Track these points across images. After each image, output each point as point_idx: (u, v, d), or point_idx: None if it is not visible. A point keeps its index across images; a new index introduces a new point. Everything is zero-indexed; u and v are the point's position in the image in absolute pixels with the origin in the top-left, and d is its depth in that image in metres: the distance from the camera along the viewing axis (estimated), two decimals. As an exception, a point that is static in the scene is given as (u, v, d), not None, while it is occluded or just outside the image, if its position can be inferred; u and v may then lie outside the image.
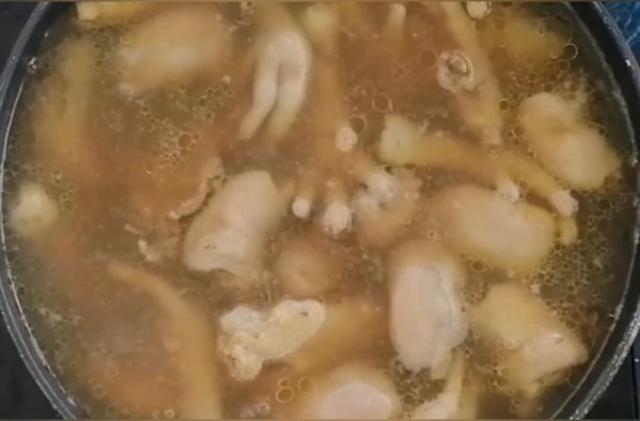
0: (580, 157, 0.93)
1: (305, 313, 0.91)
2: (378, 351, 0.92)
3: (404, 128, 0.94)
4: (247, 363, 0.90)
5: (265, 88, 0.94)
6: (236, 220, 0.92)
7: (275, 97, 0.94)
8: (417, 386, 0.92)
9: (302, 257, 0.93)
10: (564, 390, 0.92)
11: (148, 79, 0.95)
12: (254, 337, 0.90)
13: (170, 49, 0.95)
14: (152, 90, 0.95)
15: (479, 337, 0.92)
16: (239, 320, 0.91)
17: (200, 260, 0.93)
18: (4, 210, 0.94)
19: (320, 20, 0.95)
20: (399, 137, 0.94)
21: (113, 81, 0.96)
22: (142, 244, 0.94)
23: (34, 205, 0.94)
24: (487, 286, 0.93)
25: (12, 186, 0.95)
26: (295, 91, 0.94)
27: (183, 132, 0.95)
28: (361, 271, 0.93)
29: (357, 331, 0.92)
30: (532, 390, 0.92)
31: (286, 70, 0.94)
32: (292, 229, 0.94)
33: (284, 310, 0.91)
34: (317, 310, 0.92)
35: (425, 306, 0.91)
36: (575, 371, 0.92)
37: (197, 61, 0.96)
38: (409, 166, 0.93)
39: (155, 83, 0.95)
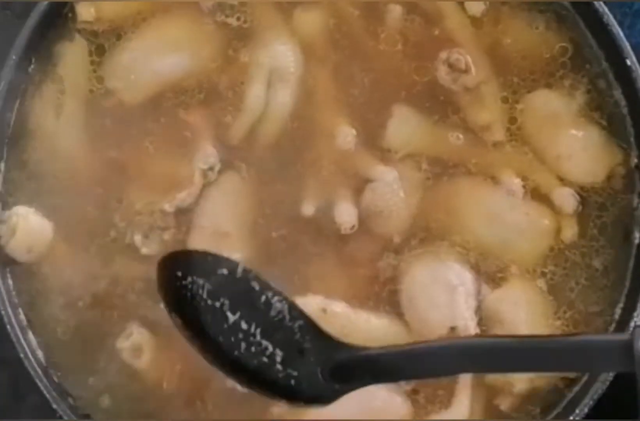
0: (582, 153, 0.93)
1: (324, 310, 0.91)
2: None
3: (410, 118, 0.94)
4: None
5: (255, 95, 0.94)
6: (236, 227, 0.93)
7: (264, 103, 0.94)
8: (427, 399, 0.92)
9: (315, 259, 0.94)
10: (563, 389, 0.92)
11: (143, 81, 0.95)
12: None
13: (165, 54, 0.95)
14: (147, 91, 0.95)
15: (487, 325, 0.92)
16: None
17: None
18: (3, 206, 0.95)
19: (310, 20, 0.95)
20: (405, 127, 0.94)
21: (110, 83, 0.96)
22: (137, 238, 0.94)
23: (32, 230, 0.93)
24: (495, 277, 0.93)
25: (12, 182, 0.95)
26: (284, 99, 0.94)
27: (178, 125, 0.95)
28: (375, 269, 0.93)
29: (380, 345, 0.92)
30: (521, 386, 0.91)
31: (276, 77, 0.94)
32: (300, 229, 0.94)
33: (306, 302, 0.90)
34: (337, 311, 0.91)
35: (433, 276, 0.91)
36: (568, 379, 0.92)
37: (191, 65, 0.95)
38: (414, 156, 0.94)
39: (151, 85, 0.95)
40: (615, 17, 0.92)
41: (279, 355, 0.80)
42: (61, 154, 0.95)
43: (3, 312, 0.92)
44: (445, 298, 0.90)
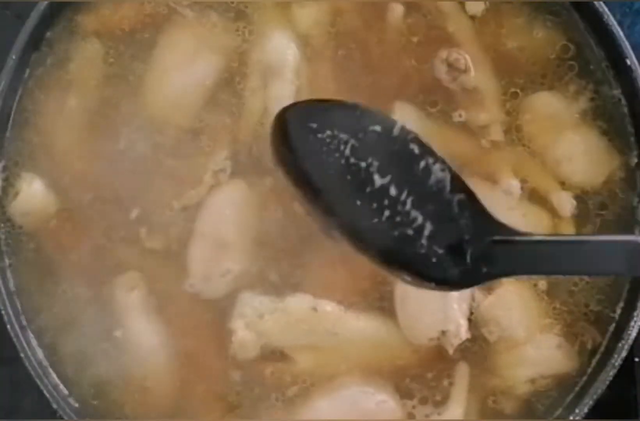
0: (582, 155, 0.93)
1: (314, 309, 0.91)
2: (387, 370, 0.92)
3: (412, 116, 0.94)
4: (243, 337, 0.90)
5: (251, 93, 0.94)
6: (237, 238, 0.92)
7: (262, 100, 0.94)
8: (420, 400, 0.92)
9: (310, 258, 0.93)
10: (563, 389, 0.92)
11: (188, 103, 0.95)
12: (258, 317, 0.90)
13: (181, 68, 0.95)
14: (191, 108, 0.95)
15: (483, 330, 0.92)
16: (251, 299, 0.91)
17: (218, 287, 0.92)
18: (3, 206, 0.94)
19: (306, 16, 0.95)
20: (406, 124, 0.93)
21: (115, 85, 0.96)
22: (142, 231, 0.94)
23: (34, 197, 0.94)
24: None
25: (12, 178, 0.95)
26: (281, 92, 0.94)
27: (193, 124, 0.95)
28: (369, 269, 0.92)
29: (371, 345, 0.92)
30: (523, 389, 0.91)
31: (272, 72, 0.94)
32: (294, 227, 0.93)
33: (296, 300, 0.91)
34: (327, 310, 0.91)
35: None
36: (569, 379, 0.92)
37: (211, 72, 0.95)
38: None
39: (195, 103, 0.95)
40: (615, 17, 0.92)
41: (427, 228, 0.72)
42: (63, 151, 0.95)
43: (3, 312, 0.92)
44: (437, 301, 0.90)
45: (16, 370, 0.93)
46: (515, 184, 0.92)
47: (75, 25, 0.97)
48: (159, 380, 0.93)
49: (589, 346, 0.92)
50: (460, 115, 0.94)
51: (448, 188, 0.73)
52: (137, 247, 0.94)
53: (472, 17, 0.94)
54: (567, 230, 0.93)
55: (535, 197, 0.93)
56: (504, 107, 0.94)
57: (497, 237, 0.73)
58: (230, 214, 0.93)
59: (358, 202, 0.73)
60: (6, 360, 0.97)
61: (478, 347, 0.92)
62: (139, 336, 0.93)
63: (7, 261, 0.94)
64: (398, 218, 0.72)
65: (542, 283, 0.92)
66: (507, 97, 0.94)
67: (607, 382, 0.89)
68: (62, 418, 0.91)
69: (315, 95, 0.94)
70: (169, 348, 0.93)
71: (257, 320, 0.90)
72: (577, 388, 0.91)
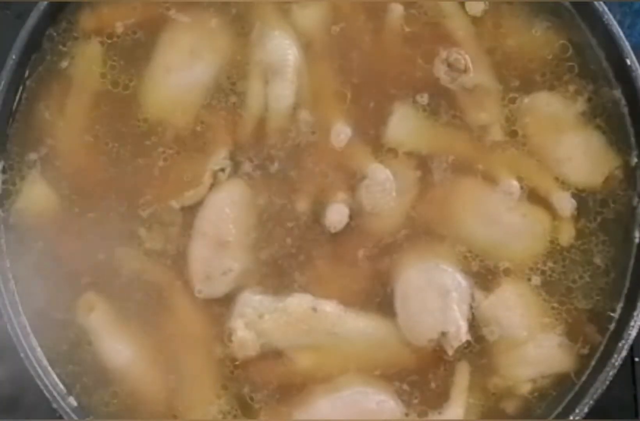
0: (582, 155, 0.93)
1: (314, 309, 0.91)
2: (387, 370, 0.92)
3: (411, 116, 0.94)
4: (242, 336, 0.90)
5: (252, 92, 0.94)
6: (236, 236, 0.93)
7: (263, 99, 0.94)
8: (420, 400, 0.92)
9: (310, 258, 0.94)
10: (563, 388, 0.92)
11: (187, 104, 0.96)
12: (258, 316, 0.91)
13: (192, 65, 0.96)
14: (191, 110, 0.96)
15: (484, 329, 0.92)
16: (250, 299, 0.92)
17: (219, 286, 0.93)
18: (4, 203, 0.95)
19: (306, 17, 0.95)
20: (405, 125, 0.94)
21: (115, 85, 0.96)
22: (142, 231, 0.94)
23: (35, 197, 0.95)
24: (489, 279, 0.93)
25: (13, 179, 0.95)
26: (282, 92, 0.94)
27: (193, 124, 0.95)
28: (369, 269, 0.93)
29: (370, 345, 0.92)
30: (525, 388, 0.91)
31: (272, 71, 0.94)
32: (295, 229, 0.94)
33: (296, 300, 0.91)
34: (327, 310, 0.91)
35: (427, 278, 0.91)
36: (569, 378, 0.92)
37: (209, 73, 0.96)
38: (411, 155, 0.93)
39: (193, 103, 0.96)
40: (615, 17, 0.92)
41: None
42: (64, 149, 0.95)
43: (3, 312, 0.92)
44: (438, 303, 0.90)
45: (16, 369, 0.93)
46: (515, 184, 0.92)
47: (75, 26, 0.97)
48: (148, 385, 0.93)
49: (589, 346, 0.92)
50: (460, 115, 0.94)
51: None
52: (137, 246, 0.94)
53: (472, 17, 0.94)
54: (568, 231, 0.93)
55: (535, 197, 0.93)
56: (503, 107, 0.94)
57: None
58: (230, 213, 0.93)
59: None
60: (6, 360, 0.97)
61: (478, 347, 0.92)
62: (109, 354, 0.93)
63: (7, 261, 0.94)
64: None
65: (538, 282, 0.92)
66: (507, 98, 0.94)
67: (607, 382, 0.89)
68: (62, 418, 0.91)
69: (316, 94, 0.94)
70: (160, 351, 0.93)
71: (257, 320, 0.90)
72: (577, 388, 0.91)
